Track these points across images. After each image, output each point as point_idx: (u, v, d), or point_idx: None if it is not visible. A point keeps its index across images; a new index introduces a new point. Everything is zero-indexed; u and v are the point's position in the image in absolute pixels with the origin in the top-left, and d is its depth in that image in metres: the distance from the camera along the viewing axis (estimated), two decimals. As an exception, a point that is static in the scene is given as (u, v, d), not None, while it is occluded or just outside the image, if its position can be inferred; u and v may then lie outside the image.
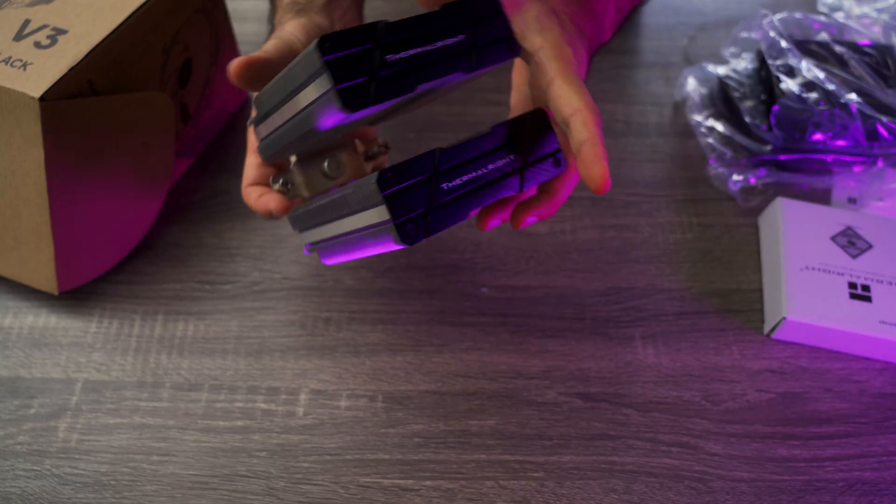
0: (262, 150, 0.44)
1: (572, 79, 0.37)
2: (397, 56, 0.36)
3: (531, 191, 0.41)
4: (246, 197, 0.48)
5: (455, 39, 0.38)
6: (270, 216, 0.47)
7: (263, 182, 0.49)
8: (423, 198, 0.36)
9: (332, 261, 0.43)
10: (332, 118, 0.35)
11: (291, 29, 0.48)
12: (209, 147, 0.65)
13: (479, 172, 0.38)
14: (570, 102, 0.37)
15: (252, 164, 0.49)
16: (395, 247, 0.36)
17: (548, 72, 0.38)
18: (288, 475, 0.48)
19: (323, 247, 0.43)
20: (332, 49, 0.33)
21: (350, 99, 0.34)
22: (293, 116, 0.39)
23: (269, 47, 0.45)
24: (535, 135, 0.39)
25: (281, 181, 0.46)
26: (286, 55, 0.46)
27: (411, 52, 0.36)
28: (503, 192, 0.39)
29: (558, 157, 0.40)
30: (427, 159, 0.36)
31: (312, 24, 0.49)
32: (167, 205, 0.60)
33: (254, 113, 0.46)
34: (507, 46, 0.39)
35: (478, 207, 0.38)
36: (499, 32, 0.39)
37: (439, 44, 0.37)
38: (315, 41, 0.33)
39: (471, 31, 0.38)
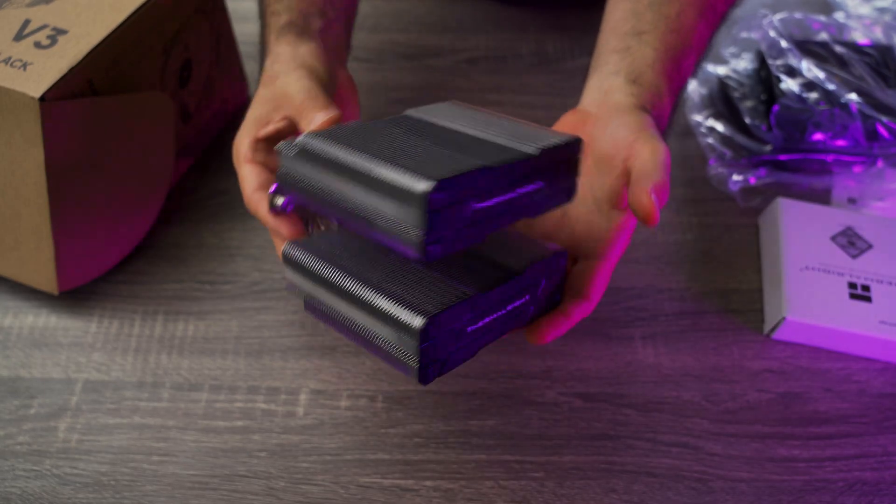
0: (282, 185, 0.39)
1: (611, 272, 0.43)
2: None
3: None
4: (255, 205, 0.44)
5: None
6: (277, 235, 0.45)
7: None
8: (448, 343, 0.36)
9: (322, 321, 0.41)
10: (408, 253, 0.35)
11: (310, 60, 0.47)
12: (209, 147, 0.65)
13: (500, 313, 0.38)
14: (592, 288, 0.42)
15: (253, 170, 0.46)
16: (405, 371, 0.36)
17: (605, 255, 0.42)
18: (288, 475, 0.48)
19: (318, 311, 0.40)
20: (437, 203, 0.32)
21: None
22: (344, 204, 0.35)
23: (314, 90, 0.44)
24: (551, 273, 0.41)
25: (284, 199, 0.42)
26: (316, 86, 0.45)
27: (498, 199, 0.35)
28: (509, 327, 0.40)
29: (557, 294, 0.42)
30: (466, 306, 0.36)
31: (322, 51, 0.48)
32: (167, 205, 0.60)
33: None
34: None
35: (489, 343, 0.39)
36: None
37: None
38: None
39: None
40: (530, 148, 0.36)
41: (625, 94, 0.45)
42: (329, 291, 0.38)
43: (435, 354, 0.35)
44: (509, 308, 0.39)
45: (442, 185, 0.31)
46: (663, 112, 0.46)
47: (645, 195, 0.38)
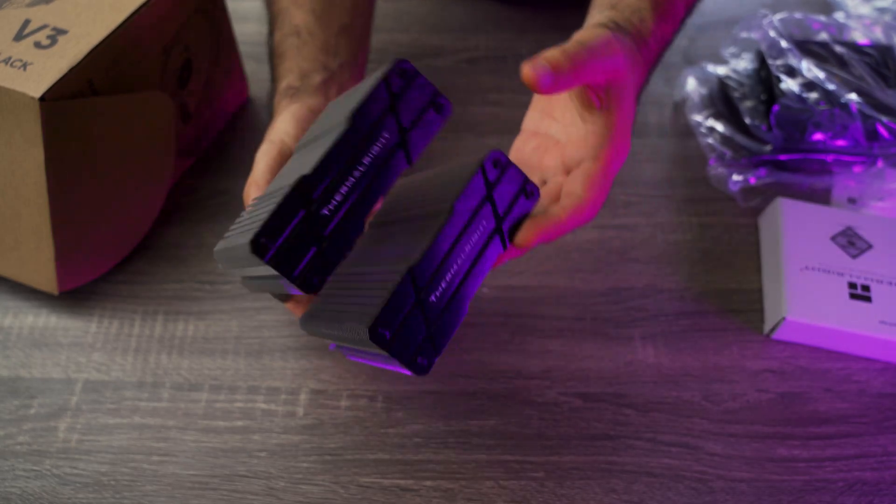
0: (244, 286, 0.42)
1: (609, 178, 0.40)
2: (333, 204, 0.33)
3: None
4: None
5: (380, 144, 0.34)
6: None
7: None
8: (419, 324, 0.34)
9: (357, 360, 0.42)
10: (296, 293, 0.34)
11: (283, 126, 0.47)
12: (209, 147, 0.65)
13: (460, 261, 0.35)
14: (588, 189, 0.39)
15: None
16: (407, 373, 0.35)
17: (599, 156, 0.40)
18: (288, 475, 0.48)
19: (347, 351, 0.42)
20: (268, 245, 0.31)
21: (310, 282, 0.32)
22: (264, 281, 0.37)
23: (262, 167, 0.45)
24: (498, 181, 0.37)
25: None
26: (281, 163, 0.46)
27: (343, 189, 0.33)
28: (490, 261, 0.37)
29: (528, 190, 0.38)
30: (406, 286, 0.33)
31: (306, 109, 0.48)
32: (167, 205, 0.60)
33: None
34: (436, 110, 0.36)
35: (472, 293, 0.36)
36: (421, 98, 0.36)
37: (367, 160, 0.34)
38: (248, 241, 0.31)
39: (392, 122, 0.35)
40: (344, 121, 0.34)
41: (599, 18, 0.44)
42: (334, 340, 0.39)
43: (409, 344, 0.34)
44: (468, 250, 0.36)
45: (259, 233, 0.31)
46: (645, 32, 0.45)
47: (528, 62, 0.36)
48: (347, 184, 0.33)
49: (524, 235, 0.38)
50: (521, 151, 0.46)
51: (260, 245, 0.31)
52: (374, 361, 0.39)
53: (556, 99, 0.45)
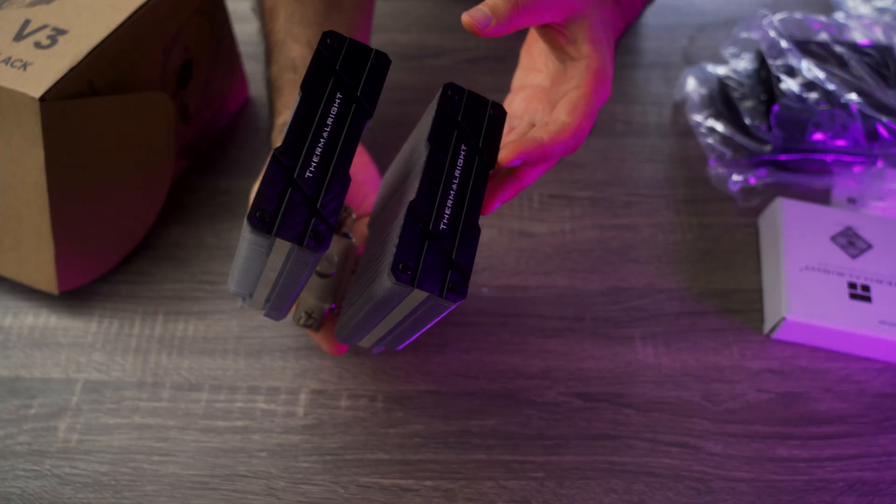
0: (269, 315, 0.44)
1: (592, 106, 0.40)
2: (313, 165, 0.35)
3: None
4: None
5: (337, 105, 0.37)
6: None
7: None
8: (438, 256, 0.35)
9: (403, 346, 0.43)
10: (312, 260, 0.35)
11: None
12: (209, 147, 0.65)
13: (455, 187, 0.37)
14: (571, 114, 0.40)
15: None
16: (454, 306, 0.36)
17: (580, 85, 0.40)
18: (288, 475, 0.48)
19: (389, 341, 0.43)
20: (264, 218, 0.33)
21: (319, 241, 0.34)
22: (277, 282, 0.38)
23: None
24: (461, 109, 0.39)
25: (302, 317, 0.46)
26: None
27: (318, 151, 0.36)
28: (482, 181, 0.38)
29: (494, 111, 0.40)
30: (412, 222, 0.35)
31: None
32: (167, 205, 0.60)
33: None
34: (377, 62, 0.39)
35: (479, 213, 0.38)
36: (362, 60, 0.39)
37: (329, 121, 0.37)
38: (246, 222, 0.33)
39: (341, 84, 0.38)
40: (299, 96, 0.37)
41: None
42: (377, 325, 0.40)
43: (434, 273, 0.35)
44: (458, 175, 0.38)
45: (253, 209, 0.33)
46: None
47: (466, 12, 0.37)
48: (320, 145, 0.36)
49: (505, 153, 0.39)
50: (511, 105, 0.47)
51: (257, 219, 0.33)
52: (420, 327, 0.39)
53: (537, 53, 0.46)
